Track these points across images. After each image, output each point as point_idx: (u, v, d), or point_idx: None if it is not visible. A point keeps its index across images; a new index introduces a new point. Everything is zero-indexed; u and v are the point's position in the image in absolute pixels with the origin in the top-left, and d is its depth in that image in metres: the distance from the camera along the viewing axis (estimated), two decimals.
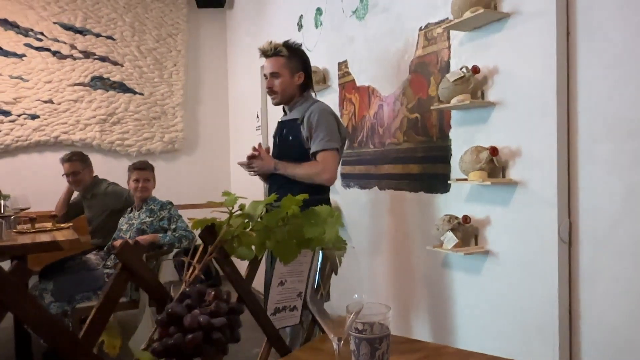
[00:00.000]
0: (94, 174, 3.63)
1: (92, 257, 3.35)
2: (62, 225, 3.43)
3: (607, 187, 1.62)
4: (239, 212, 0.78)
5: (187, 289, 0.69)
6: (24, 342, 2.89)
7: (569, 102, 1.73)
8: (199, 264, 0.77)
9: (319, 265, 0.69)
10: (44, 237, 2.91)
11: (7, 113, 4.50)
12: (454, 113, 2.15)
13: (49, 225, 3.32)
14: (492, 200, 1.96)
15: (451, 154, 2.16)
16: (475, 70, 1.94)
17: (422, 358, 0.91)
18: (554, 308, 1.73)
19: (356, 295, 0.71)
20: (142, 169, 3.29)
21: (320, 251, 0.70)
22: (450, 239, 1.98)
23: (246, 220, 0.84)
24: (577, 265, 1.72)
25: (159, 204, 3.28)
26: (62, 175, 3.49)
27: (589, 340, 1.70)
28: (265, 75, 2.35)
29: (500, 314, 1.95)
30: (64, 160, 3.49)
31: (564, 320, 1.74)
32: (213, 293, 0.70)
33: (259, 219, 0.85)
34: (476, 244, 2.04)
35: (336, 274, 0.75)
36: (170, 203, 3.32)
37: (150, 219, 3.19)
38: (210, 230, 0.78)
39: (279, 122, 2.42)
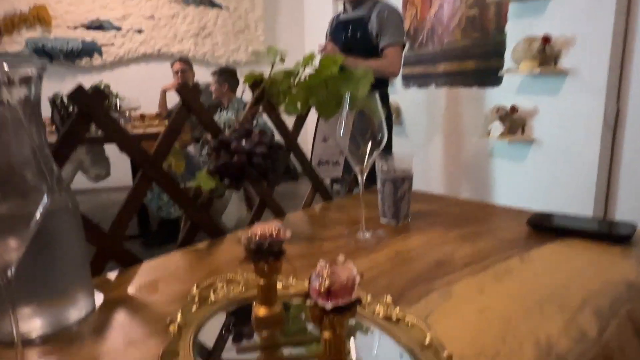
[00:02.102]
0: (196, 79, 3.87)
1: (191, 148, 3.61)
2: (166, 122, 3.70)
3: None
4: (280, 64, 0.80)
5: (237, 127, 0.74)
6: (143, 214, 3.26)
7: None
8: (249, 114, 0.82)
9: (346, 107, 0.71)
10: (152, 130, 3.17)
11: (118, 28, 4.71)
12: (511, 5, 1.94)
13: (155, 122, 3.58)
14: (541, 91, 1.82)
15: (505, 48, 2.00)
16: None
17: (436, 208, 0.93)
18: (592, 192, 1.64)
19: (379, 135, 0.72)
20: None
21: (348, 94, 0.71)
22: (496, 127, 1.90)
23: (291, 79, 0.87)
24: (620, 151, 1.59)
25: (242, 104, 3.41)
26: (174, 72, 3.80)
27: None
28: None
29: (540, 197, 1.89)
30: (176, 60, 3.83)
31: (600, 203, 1.66)
32: (259, 131, 0.74)
33: (302, 80, 0.87)
34: (522, 133, 1.94)
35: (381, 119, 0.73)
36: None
37: (235, 116, 3.35)
38: (258, 83, 0.81)
39: (339, 22, 2.32)
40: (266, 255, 0.45)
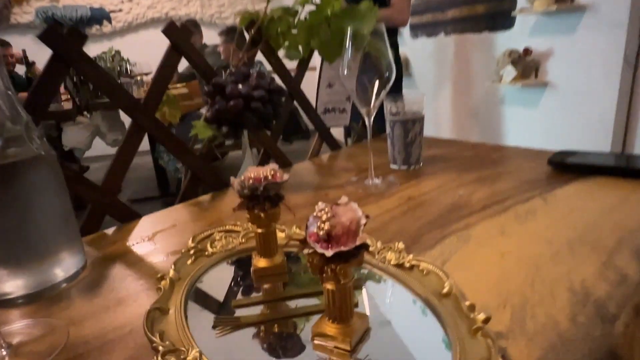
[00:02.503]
0: (204, 42, 3.70)
1: (203, 111, 3.52)
2: (178, 85, 3.60)
3: None
4: None
5: (233, 69, 0.66)
6: (162, 176, 3.23)
7: None
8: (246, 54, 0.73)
9: (349, 42, 0.62)
10: None
11: None
12: None
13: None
14: (557, 30, 1.67)
15: None
16: None
17: (449, 152, 0.85)
18: (609, 135, 1.53)
19: (386, 73, 0.64)
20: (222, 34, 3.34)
21: (350, 28, 0.62)
22: (509, 72, 1.77)
23: (291, 19, 0.77)
24: None
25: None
26: None
27: None
28: None
29: (554, 143, 1.79)
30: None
31: (617, 146, 1.55)
32: (256, 74, 0.66)
33: (303, 19, 0.78)
34: (536, 77, 1.81)
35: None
36: (260, 62, 3.31)
37: None
38: (253, 22, 0.72)
39: None
40: (262, 200, 0.39)
